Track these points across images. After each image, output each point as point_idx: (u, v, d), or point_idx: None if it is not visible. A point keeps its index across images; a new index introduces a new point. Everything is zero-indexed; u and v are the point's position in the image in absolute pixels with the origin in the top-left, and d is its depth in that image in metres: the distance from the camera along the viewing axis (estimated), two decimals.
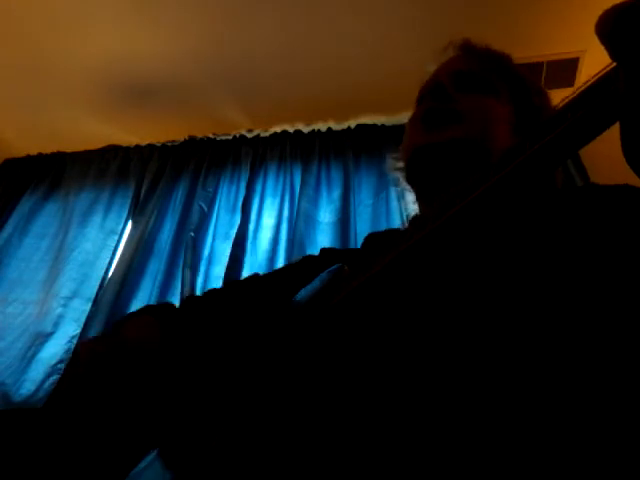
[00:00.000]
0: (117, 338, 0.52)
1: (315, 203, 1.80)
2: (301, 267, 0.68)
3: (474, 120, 0.61)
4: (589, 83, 0.33)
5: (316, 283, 0.49)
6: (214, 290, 0.70)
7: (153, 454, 0.48)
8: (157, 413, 0.44)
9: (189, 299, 0.72)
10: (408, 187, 0.71)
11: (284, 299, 0.48)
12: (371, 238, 0.72)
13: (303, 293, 0.49)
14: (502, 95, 0.65)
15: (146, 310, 0.64)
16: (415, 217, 0.69)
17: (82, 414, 0.45)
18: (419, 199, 0.69)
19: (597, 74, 0.33)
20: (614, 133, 0.34)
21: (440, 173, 0.61)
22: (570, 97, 0.34)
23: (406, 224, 0.66)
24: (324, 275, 0.49)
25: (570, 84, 1.85)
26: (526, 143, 0.35)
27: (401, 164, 0.74)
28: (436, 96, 0.64)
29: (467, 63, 0.69)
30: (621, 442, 0.34)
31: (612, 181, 0.51)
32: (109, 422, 0.45)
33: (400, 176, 0.73)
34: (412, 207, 1.68)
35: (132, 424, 0.45)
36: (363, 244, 0.72)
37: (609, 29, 0.33)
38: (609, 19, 0.33)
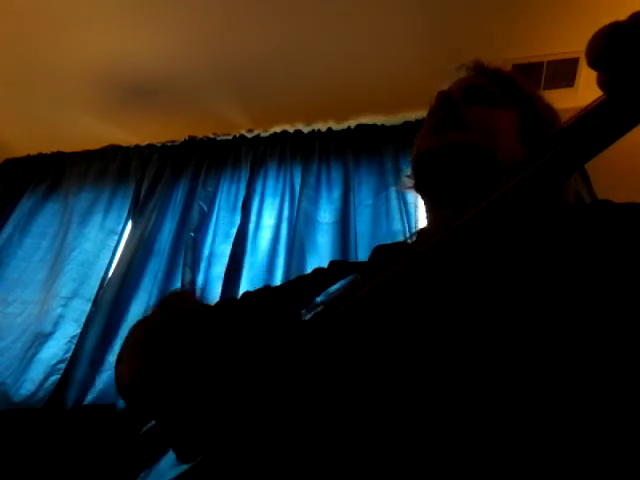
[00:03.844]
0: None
1: (315, 203, 1.80)
2: (312, 279, 0.68)
3: (479, 129, 0.63)
4: (600, 99, 0.34)
5: (329, 293, 0.49)
6: (225, 301, 0.71)
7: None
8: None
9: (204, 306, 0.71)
10: (417, 195, 0.72)
11: (294, 311, 0.48)
12: (379, 250, 0.73)
13: (316, 304, 0.49)
14: (509, 108, 0.67)
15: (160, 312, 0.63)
16: (422, 230, 0.70)
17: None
18: (428, 207, 0.70)
19: (594, 102, 0.34)
20: (618, 145, 0.34)
21: (445, 177, 0.62)
22: (582, 110, 0.35)
23: (412, 237, 0.66)
24: (336, 287, 0.49)
25: (570, 84, 1.85)
26: (537, 152, 0.35)
27: (411, 182, 0.75)
28: (444, 107, 0.66)
29: (477, 79, 0.72)
30: (621, 442, 0.34)
31: (615, 191, 0.52)
32: None
33: (411, 187, 0.74)
34: (412, 207, 1.68)
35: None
36: (371, 256, 0.73)
37: (597, 55, 0.33)
38: (597, 45, 0.33)
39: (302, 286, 0.65)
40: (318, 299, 0.49)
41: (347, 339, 0.42)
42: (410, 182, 0.74)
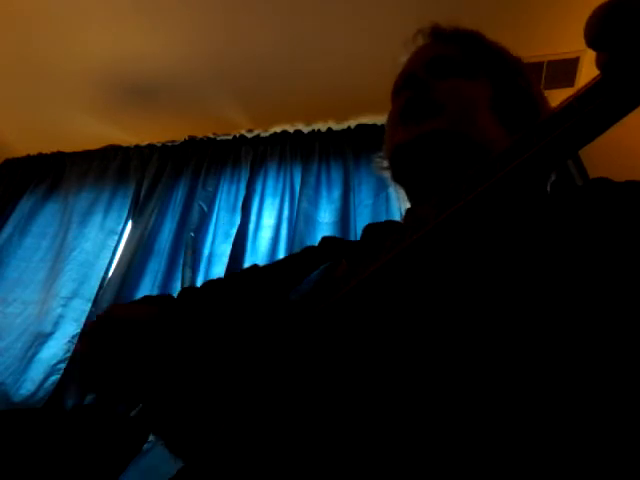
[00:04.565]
0: (106, 315, 0.51)
1: (315, 203, 1.80)
2: (302, 258, 0.67)
3: (454, 106, 0.59)
4: (596, 79, 0.33)
5: (312, 280, 0.48)
6: (212, 281, 0.69)
7: (151, 443, 0.48)
8: (151, 395, 0.44)
9: (187, 290, 0.70)
10: (397, 186, 0.70)
11: (282, 292, 0.47)
12: (370, 229, 0.70)
13: (300, 289, 0.48)
14: (479, 76, 0.63)
15: (143, 299, 0.63)
16: (410, 210, 0.67)
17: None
18: (409, 197, 0.68)
19: (590, 82, 0.33)
20: (614, 132, 0.33)
21: (426, 168, 0.59)
22: (579, 91, 0.34)
23: (403, 218, 0.64)
24: (320, 271, 0.49)
25: (570, 84, 1.85)
26: (533, 137, 0.34)
27: (386, 163, 0.73)
28: (411, 86, 0.61)
29: (438, 48, 0.67)
30: (621, 442, 0.34)
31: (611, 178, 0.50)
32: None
33: (388, 176, 0.72)
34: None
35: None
36: (362, 235, 0.71)
37: (596, 33, 0.32)
38: (596, 22, 0.32)
39: (292, 266, 0.64)
40: (302, 285, 0.48)
41: (337, 332, 0.41)
42: (384, 164, 0.71)
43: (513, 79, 0.65)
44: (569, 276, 0.40)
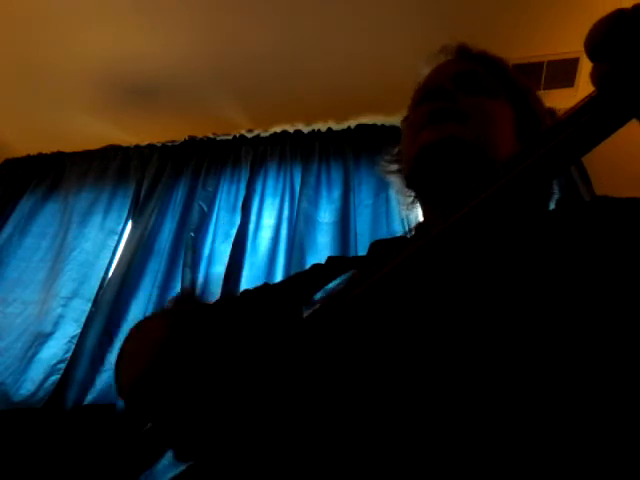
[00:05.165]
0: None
1: (315, 203, 1.80)
2: (310, 276, 0.68)
3: (479, 121, 0.59)
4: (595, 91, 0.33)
5: (326, 292, 0.49)
6: (225, 299, 0.70)
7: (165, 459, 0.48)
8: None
9: (201, 305, 0.71)
10: (404, 192, 0.70)
11: (293, 309, 0.48)
12: (377, 245, 0.71)
13: (313, 303, 0.49)
14: (501, 99, 0.64)
15: (158, 314, 0.64)
16: (420, 224, 0.68)
17: None
18: (423, 204, 0.68)
19: (585, 99, 0.34)
20: (617, 140, 0.34)
21: (447, 172, 0.59)
22: (578, 103, 0.34)
23: (410, 231, 0.65)
24: (334, 284, 0.49)
25: (570, 84, 1.85)
26: (534, 146, 0.35)
27: (394, 167, 0.73)
28: (438, 97, 0.61)
29: (463, 65, 0.67)
30: (621, 442, 0.34)
31: (614, 188, 0.51)
32: None
33: (396, 181, 0.72)
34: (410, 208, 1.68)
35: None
36: (369, 251, 0.72)
37: (598, 41, 0.32)
38: (600, 32, 0.32)
39: (300, 283, 0.65)
40: (317, 296, 0.49)
41: (347, 337, 0.41)
42: (392, 167, 0.72)
43: (528, 103, 0.66)
44: (569, 282, 0.41)
